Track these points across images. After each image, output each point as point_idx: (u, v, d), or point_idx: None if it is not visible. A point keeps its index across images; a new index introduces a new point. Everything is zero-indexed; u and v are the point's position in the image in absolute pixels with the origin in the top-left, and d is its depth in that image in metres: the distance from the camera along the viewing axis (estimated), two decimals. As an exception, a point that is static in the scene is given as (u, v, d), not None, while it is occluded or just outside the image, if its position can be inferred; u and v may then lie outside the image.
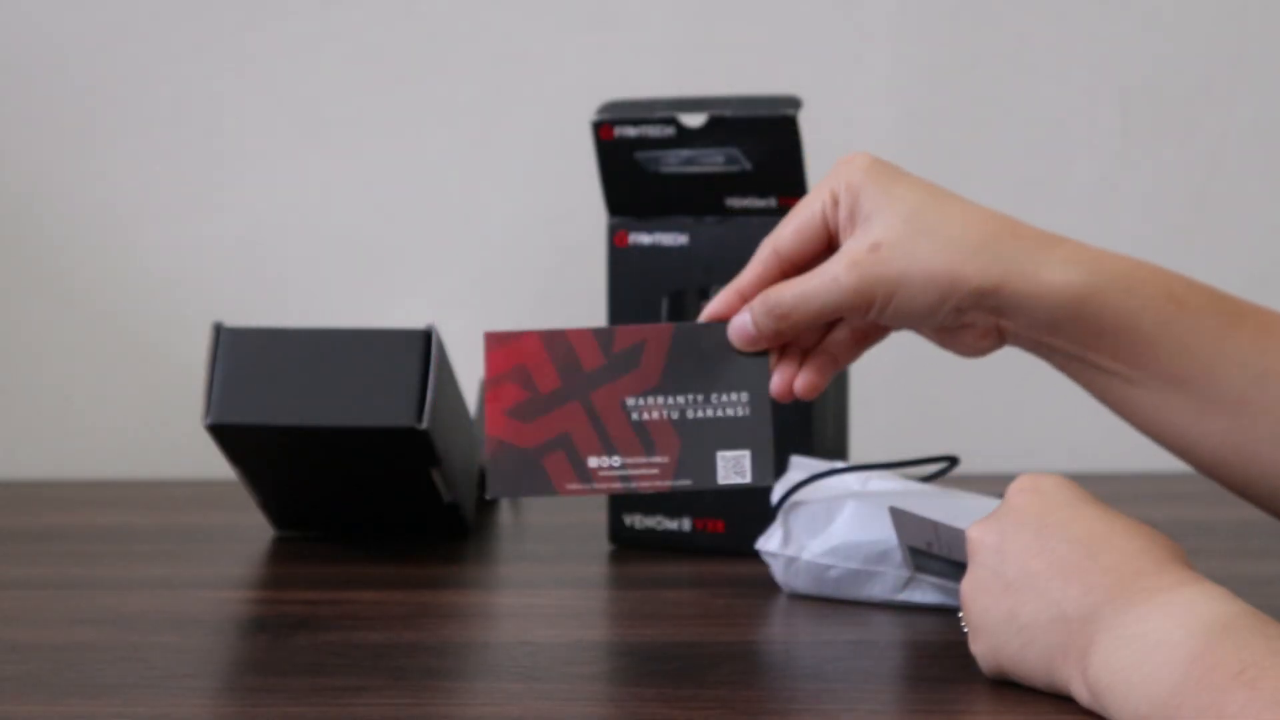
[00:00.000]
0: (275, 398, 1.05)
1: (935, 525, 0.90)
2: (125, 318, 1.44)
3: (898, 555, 0.95)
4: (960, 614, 0.81)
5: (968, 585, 0.80)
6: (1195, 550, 1.06)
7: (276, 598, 1.01)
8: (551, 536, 1.18)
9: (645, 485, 0.85)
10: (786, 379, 0.89)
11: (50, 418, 1.45)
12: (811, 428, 1.08)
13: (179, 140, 1.44)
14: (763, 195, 1.08)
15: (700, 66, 1.42)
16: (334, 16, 1.43)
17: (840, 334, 0.90)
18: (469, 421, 1.17)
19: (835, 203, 0.88)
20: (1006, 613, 0.78)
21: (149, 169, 1.44)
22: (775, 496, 0.99)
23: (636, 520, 1.11)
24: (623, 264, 1.10)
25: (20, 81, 1.43)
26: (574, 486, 0.86)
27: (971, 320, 0.87)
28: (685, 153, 1.08)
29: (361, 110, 1.44)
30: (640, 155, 1.08)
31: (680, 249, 1.09)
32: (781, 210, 1.07)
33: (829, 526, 0.97)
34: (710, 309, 0.89)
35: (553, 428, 0.86)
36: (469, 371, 1.18)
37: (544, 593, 1.02)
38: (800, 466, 1.02)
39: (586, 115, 1.11)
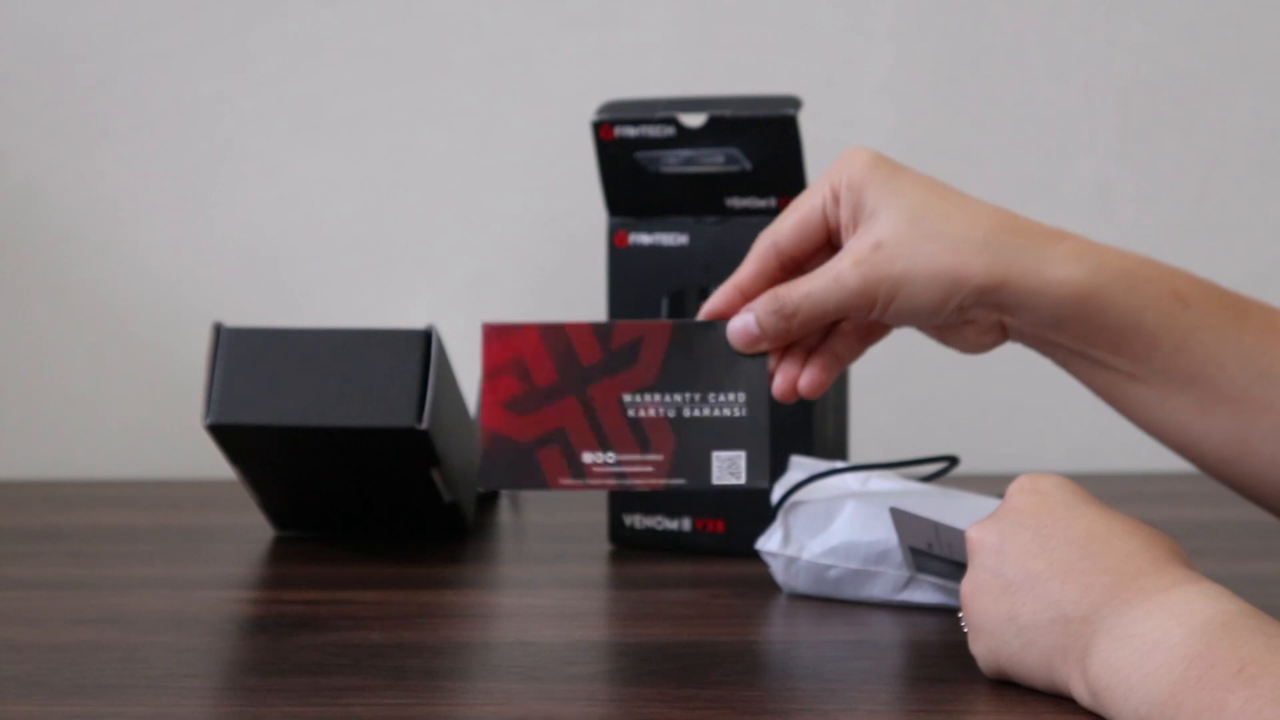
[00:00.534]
0: (275, 398, 1.05)
1: (936, 525, 0.90)
2: (125, 317, 1.44)
3: (898, 555, 0.95)
4: (960, 614, 0.81)
5: (968, 586, 0.80)
6: (1195, 550, 1.06)
7: (276, 598, 1.01)
8: (551, 536, 1.18)
9: (639, 483, 0.85)
10: (790, 378, 0.89)
11: (50, 418, 1.45)
12: (811, 428, 1.08)
13: (179, 140, 1.44)
14: (763, 195, 1.08)
15: (700, 66, 1.42)
16: (334, 16, 1.43)
17: (843, 332, 0.90)
18: (469, 421, 1.17)
19: (836, 199, 0.88)
20: (1006, 613, 0.78)
21: (149, 169, 1.44)
22: (775, 496, 0.99)
23: (636, 520, 1.11)
24: (623, 264, 1.10)
25: (21, 81, 1.43)
26: (567, 481, 0.86)
27: (974, 317, 0.87)
28: (685, 153, 1.08)
29: (361, 110, 1.44)
30: (640, 155, 1.08)
31: (680, 249, 1.09)
32: (781, 210, 1.07)
33: (829, 526, 0.97)
34: (710, 306, 0.89)
35: (548, 422, 0.86)
36: (469, 371, 1.18)
37: (544, 593, 1.02)
38: (800, 466, 1.02)
39: (586, 115, 1.11)
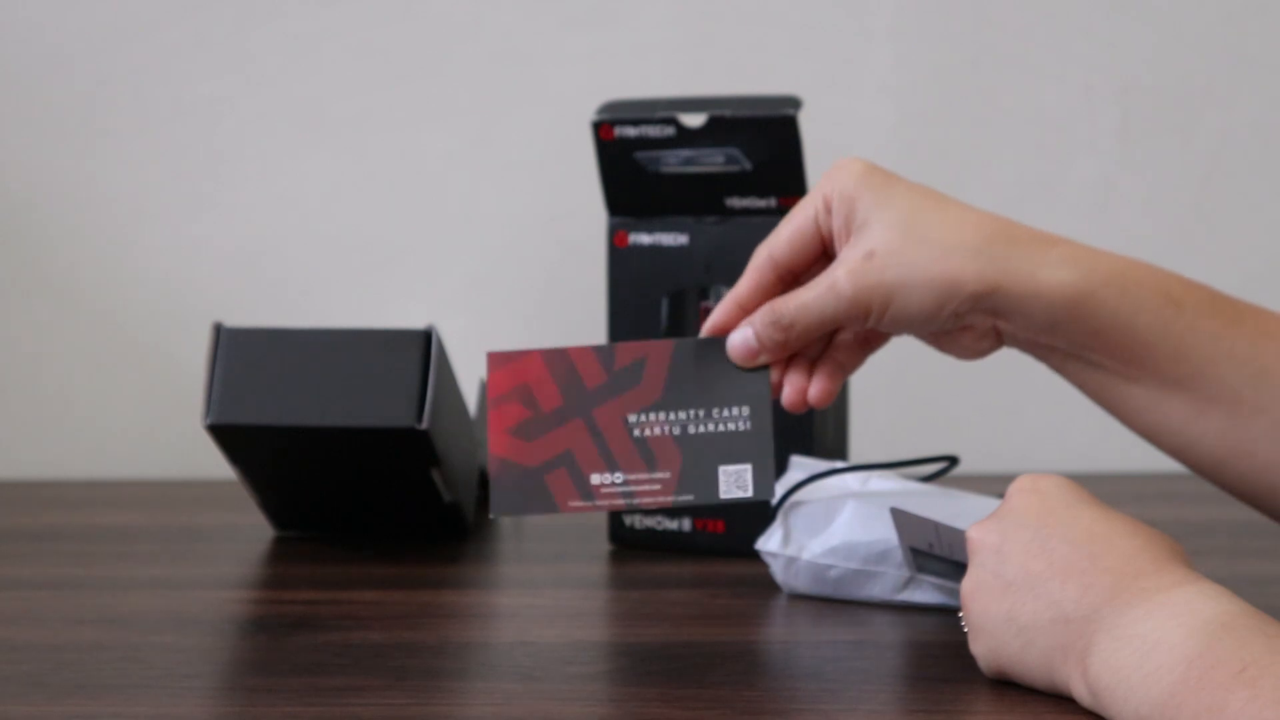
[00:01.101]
0: (275, 398, 1.05)
1: (936, 525, 0.90)
2: (125, 318, 1.44)
3: (898, 555, 0.95)
4: (960, 615, 0.81)
5: (968, 586, 0.80)
6: (1195, 550, 1.06)
7: (276, 598, 1.01)
8: (551, 536, 1.18)
9: (648, 501, 0.85)
10: (799, 389, 0.89)
11: (50, 418, 1.45)
12: (811, 428, 1.08)
13: (179, 140, 1.44)
14: (763, 195, 1.08)
15: (700, 66, 1.42)
16: (334, 16, 1.43)
17: (842, 342, 0.91)
18: (469, 421, 1.17)
19: (829, 210, 0.88)
20: (1006, 613, 0.78)
21: (149, 169, 1.44)
22: (775, 497, 0.99)
23: (636, 520, 1.11)
24: (623, 264, 1.10)
25: (20, 81, 1.43)
26: (577, 504, 0.86)
27: (970, 322, 0.88)
28: (685, 153, 1.08)
29: (362, 110, 1.44)
30: (640, 155, 1.08)
31: (680, 249, 1.09)
32: (781, 210, 1.07)
33: (829, 526, 0.97)
34: (711, 322, 0.89)
35: (556, 445, 0.87)
36: (469, 371, 1.18)
37: (544, 593, 1.02)
38: (800, 466, 1.02)
39: (586, 115, 1.11)
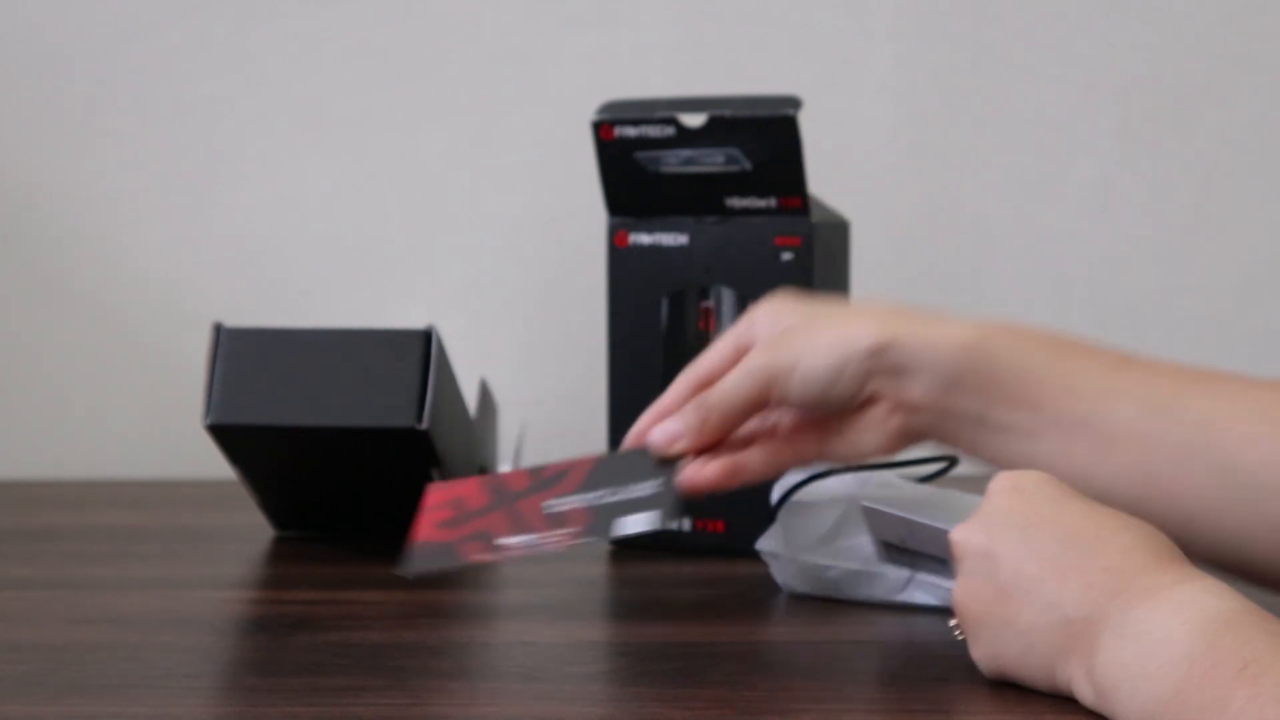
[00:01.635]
0: (275, 398, 1.05)
1: (909, 522, 0.91)
2: (125, 318, 1.44)
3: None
4: (953, 622, 0.81)
5: (960, 592, 0.80)
6: (1195, 550, 1.06)
7: (276, 598, 1.01)
8: (551, 536, 1.18)
9: (551, 547, 0.88)
10: (696, 468, 0.93)
11: (50, 418, 1.45)
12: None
13: (179, 140, 1.44)
14: (763, 195, 1.08)
15: (700, 66, 1.42)
16: (334, 16, 1.43)
17: (761, 435, 0.95)
18: (469, 421, 1.17)
19: (751, 323, 0.94)
20: (1005, 618, 0.78)
21: (149, 169, 1.44)
22: (775, 497, 0.99)
23: (636, 520, 1.11)
24: (623, 264, 1.10)
25: (20, 81, 1.43)
26: (480, 555, 0.89)
27: (876, 390, 0.91)
28: (685, 153, 1.08)
29: (361, 110, 1.44)
30: (640, 155, 1.08)
31: (680, 249, 1.09)
32: (781, 210, 1.07)
33: (828, 527, 0.97)
34: (633, 432, 0.94)
35: (475, 528, 0.91)
36: (469, 371, 1.18)
37: (544, 593, 1.02)
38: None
39: (586, 115, 1.11)
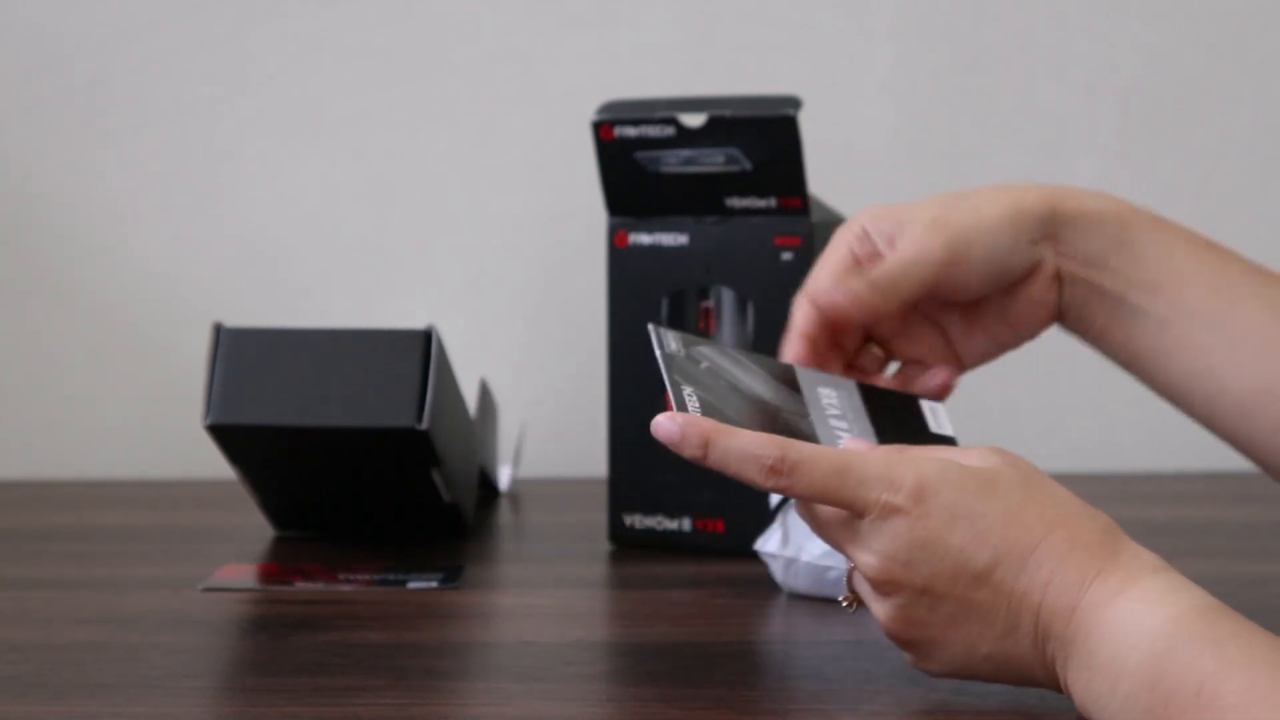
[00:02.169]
0: (275, 398, 1.05)
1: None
2: (125, 317, 1.44)
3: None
4: (844, 597, 0.81)
5: (897, 625, 0.77)
6: (1195, 550, 1.07)
7: (276, 598, 1.01)
8: (551, 536, 1.18)
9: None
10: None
11: (50, 418, 1.45)
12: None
13: (179, 140, 1.44)
14: (763, 195, 1.08)
15: (700, 66, 1.42)
16: (334, 16, 1.43)
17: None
18: (469, 421, 1.17)
19: (865, 236, 0.90)
20: (965, 646, 0.76)
21: (149, 169, 1.44)
22: (775, 498, 0.99)
23: (636, 520, 1.11)
24: (623, 264, 1.10)
25: (20, 81, 1.43)
26: None
27: (1041, 259, 0.90)
28: (685, 153, 1.08)
29: (361, 110, 1.44)
30: (640, 155, 1.08)
31: (680, 249, 1.09)
32: (781, 210, 1.07)
33: (829, 526, 0.97)
34: (789, 355, 0.90)
35: None
36: (469, 371, 1.18)
37: (544, 593, 1.02)
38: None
39: (586, 115, 1.11)
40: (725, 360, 0.85)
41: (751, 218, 1.08)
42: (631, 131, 1.08)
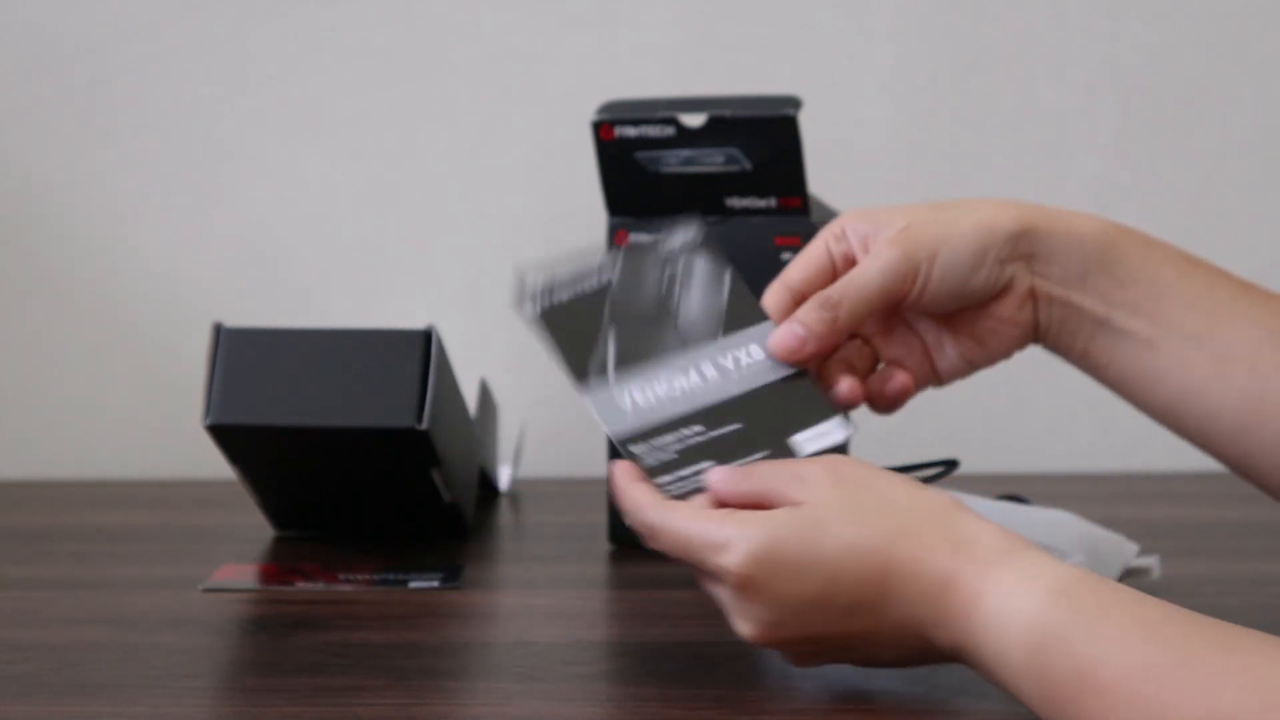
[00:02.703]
0: (275, 398, 1.05)
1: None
2: (125, 317, 1.44)
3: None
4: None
5: (797, 661, 0.81)
6: (1195, 550, 1.06)
7: (276, 598, 1.01)
8: (551, 536, 1.18)
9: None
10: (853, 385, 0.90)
11: (50, 418, 1.45)
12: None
13: (179, 139, 1.44)
14: (763, 195, 1.08)
15: (700, 66, 1.42)
16: (334, 16, 1.43)
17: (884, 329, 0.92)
18: (469, 421, 1.17)
19: (842, 235, 0.90)
20: (866, 658, 0.80)
21: (149, 168, 1.44)
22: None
23: (636, 520, 1.11)
24: (623, 264, 1.10)
25: (20, 81, 1.43)
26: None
27: (1013, 278, 0.89)
28: (685, 153, 1.08)
29: (362, 109, 1.44)
30: (640, 155, 1.08)
31: (680, 249, 1.09)
32: (781, 210, 1.07)
33: (829, 526, 0.96)
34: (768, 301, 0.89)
35: None
36: (469, 371, 1.18)
37: (544, 593, 1.02)
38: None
39: (586, 115, 1.11)
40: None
41: (751, 218, 1.08)
42: (631, 131, 1.08)
